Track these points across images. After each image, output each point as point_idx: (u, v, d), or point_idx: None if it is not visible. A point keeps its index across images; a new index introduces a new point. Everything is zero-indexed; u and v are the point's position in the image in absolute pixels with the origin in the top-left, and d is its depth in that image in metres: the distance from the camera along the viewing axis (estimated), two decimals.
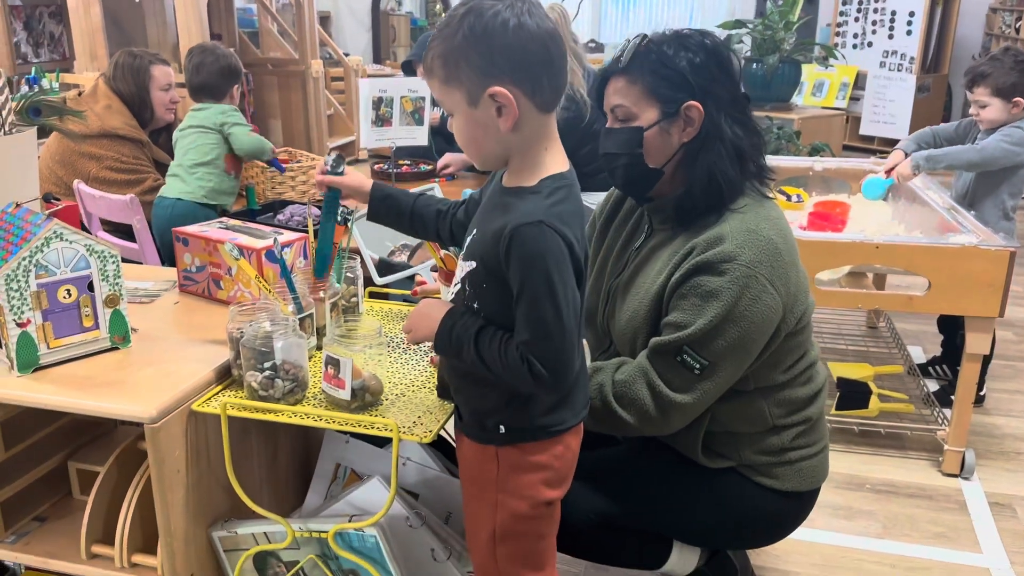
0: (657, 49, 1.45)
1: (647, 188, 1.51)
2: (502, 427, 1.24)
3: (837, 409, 2.61)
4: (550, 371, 1.14)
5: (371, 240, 2.14)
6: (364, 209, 1.52)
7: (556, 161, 1.21)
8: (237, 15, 6.09)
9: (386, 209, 1.49)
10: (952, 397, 2.47)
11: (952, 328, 2.87)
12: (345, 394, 1.27)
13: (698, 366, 1.40)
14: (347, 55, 7.11)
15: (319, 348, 1.46)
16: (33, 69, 4.42)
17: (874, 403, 2.62)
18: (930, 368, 3.04)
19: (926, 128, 2.97)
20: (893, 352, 3.17)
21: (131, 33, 5.31)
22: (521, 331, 1.15)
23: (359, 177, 1.50)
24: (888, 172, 2.86)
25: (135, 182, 2.83)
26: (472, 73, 1.14)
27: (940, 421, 2.56)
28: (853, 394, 2.64)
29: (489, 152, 1.21)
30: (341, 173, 1.46)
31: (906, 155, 2.81)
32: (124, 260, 2.61)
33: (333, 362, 1.27)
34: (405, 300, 1.75)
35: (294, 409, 1.27)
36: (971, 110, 2.73)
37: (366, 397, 1.29)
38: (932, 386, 2.89)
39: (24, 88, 4.06)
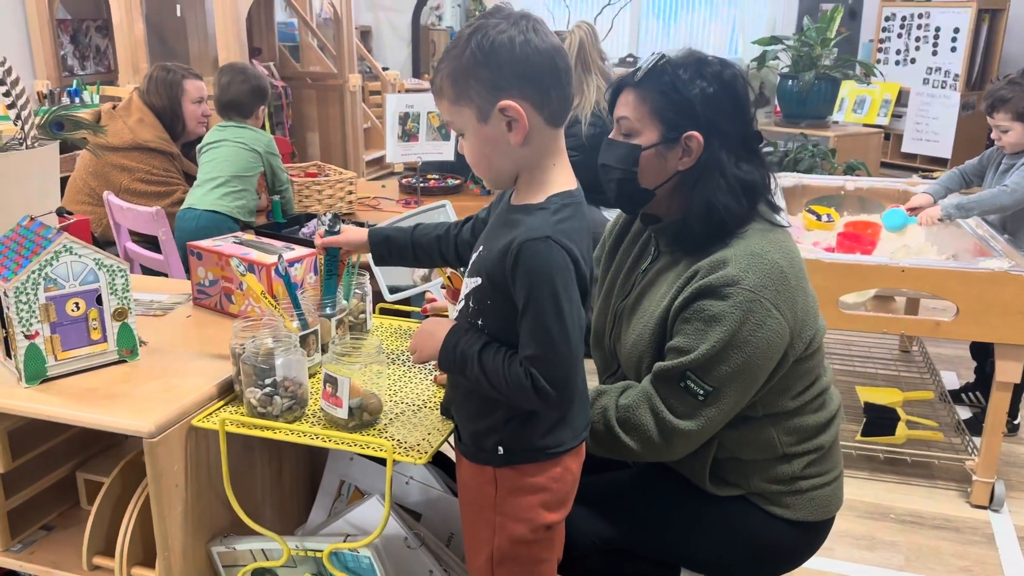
0: (672, 71, 1.43)
1: (637, 206, 1.51)
2: (500, 448, 1.23)
3: (863, 435, 2.55)
4: (554, 386, 1.14)
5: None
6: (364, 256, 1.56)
7: (564, 178, 1.21)
8: (278, 29, 6.21)
9: (388, 250, 1.51)
10: (984, 425, 2.40)
11: (984, 354, 2.79)
12: (342, 413, 1.27)
13: (702, 392, 1.38)
14: (387, 69, 7.20)
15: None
16: (74, 82, 4.54)
17: (901, 430, 2.55)
18: (963, 395, 2.96)
19: (952, 170, 2.92)
20: (925, 377, 3.09)
21: (173, 47, 5.44)
22: (526, 346, 1.15)
23: (355, 230, 1.52)
24: (912, 211, 2.81)
25: (165, 194, 2.88)
26: (482, 89, 1.15)
27: (970, 450, 2.49)
28: (880, 420, 2.58)
29: (500, 168, 1.21)
30: (338, 232, 1.48)
31: (934, 200, 2.77)
32: (150, 271, 2.69)
33: (331, 380, 1.27)
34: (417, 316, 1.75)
35: (290, 427, 1.28)
36: (992, 134, 2.66)
37: (364, 416, 1.29)
38: (964, 414, 2.81)
39: (65, 100, 4.17)
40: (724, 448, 1.49)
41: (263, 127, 2.95)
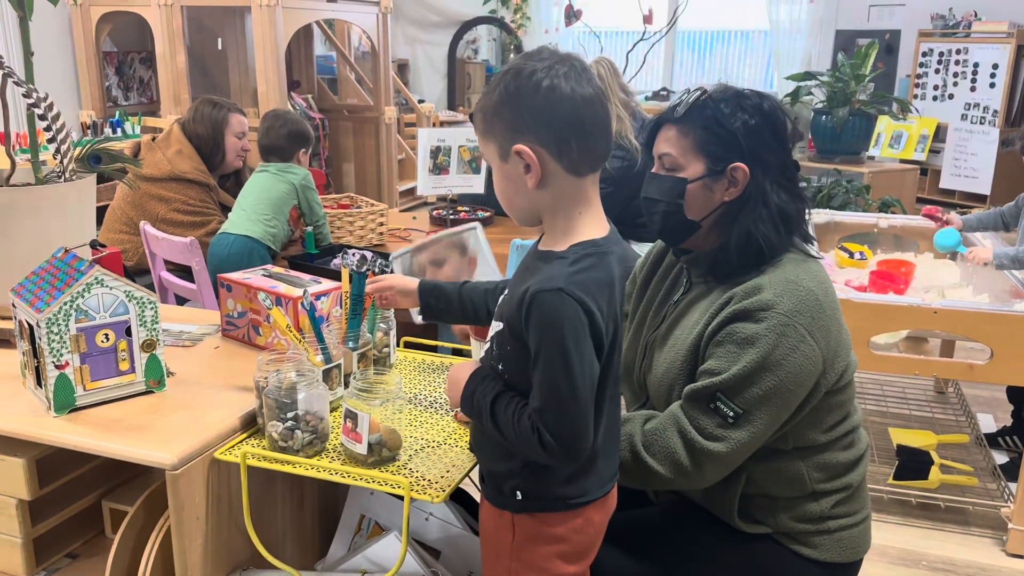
0: (714, 106, 1.44)
1: (682, 239, 1.51)
2: (519, 493, 1.22)
3: (895, 478, 2.50)
4: (559, 442, 1.12)
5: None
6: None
7: (591, 227, 1.20)
8: (317, 63, 6.33)
9: (435, 299, 1.52)
10: (1021, 471, 2.34)
11: (1021, 398, 2.73)
12: (362, 448, 1.28)
13: (732, 414, 1.36)
14: (422, 101, 7.30)
15: None
16: (117, 113, 4.65)
17: (935, 474, 2.49)
18: (999, 439, 2.89)
19: (993, 210, 2.88)
20: (960, 420, 3.02)
21: (214, 79, 5.57)
22: (534, 398, 1.14)
23: (403, 279, 1.55)
24: (944, 223, 2.79)
25: (200, 224, 2.94)
26: (503, 129, 1.16)
27: (1006, 497, 2.42)
28: (912, 463, 2.52)
29: (519, 207, 1.22)
30: (365, 273, 1.49)
31: (962, 224, 2.75)
32: (183, 300, 2.73)
33: (352, 416, 1.28)
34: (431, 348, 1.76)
35: (310, 462, 1.28)
36: None
37: (383, 452, 1.30)
38: (1000, 458, 2.74)
39: (107, 131, 4.28)
40: (753, 483, 1.47)
41: (315, 153, 3.04)
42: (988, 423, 3.08)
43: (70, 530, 1.53)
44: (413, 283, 1.53)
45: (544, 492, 1.22)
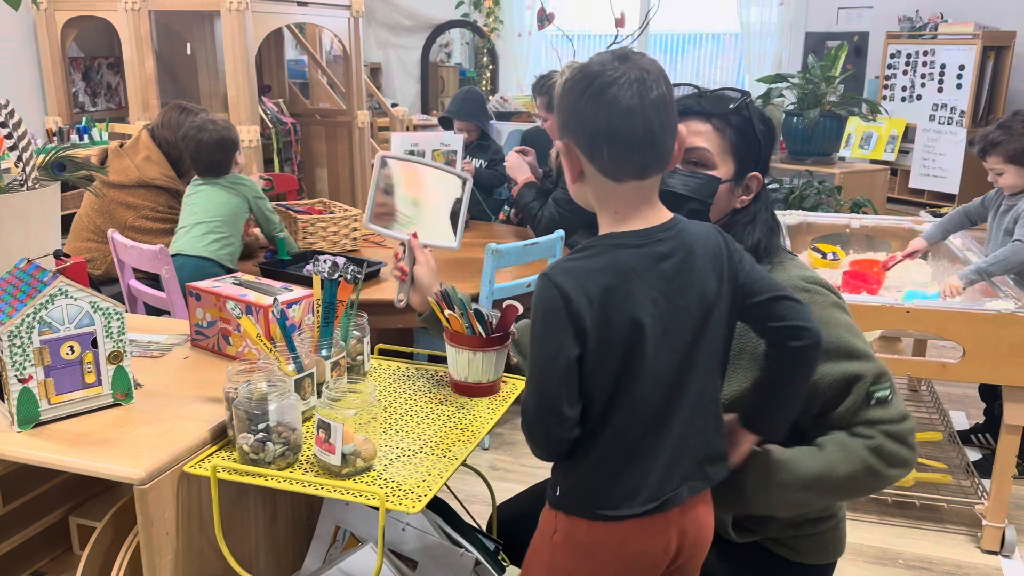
0: (751, 111, 1.46)
1: None
2: (558, 488, 1.23)
3: None
4: (525, 424, 1.15)
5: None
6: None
7: (628, 227, 1.19)
8: (288, 67, 6.27)
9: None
10: (993, 469, 2.36)
11: (993, 396, 2.76)
12: (335, 459, 1.25)
13: (883, 394, 1.36)
14: (396, 105, 7.26)
15: None
16: (84, 119, 4.58)
17: (910, 472, 2.51)
18: (972, 436, 2.92)
19: (956, 210, 2.90)
20: (934, 418, 3.05)
21: (184, 84, 5.50)
22: None
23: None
24: (910, 255, 2.80)
25: (170, 231, 2.89)
26: (558, 121, 1.22)
27: (979, 494, 2.45)
28: None
29: (571, 189, 1.25)
30: (337, 280, 1.47)
31: (928, 245, 2.77)
32: (154, 310, 2.68)
33: (324, 426, 1.26)
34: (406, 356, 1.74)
35: (282, 475, 1.26)
36: (989, 177, 2.66)
37: (357, 462, 1.27)
38: (973, 455, 2.77)
39: (74, 137, 4.21)
40: None
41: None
42: (960, 419, 3.12)
43: (37, 547, 1.50)
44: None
45: (576, 492, 1.21)
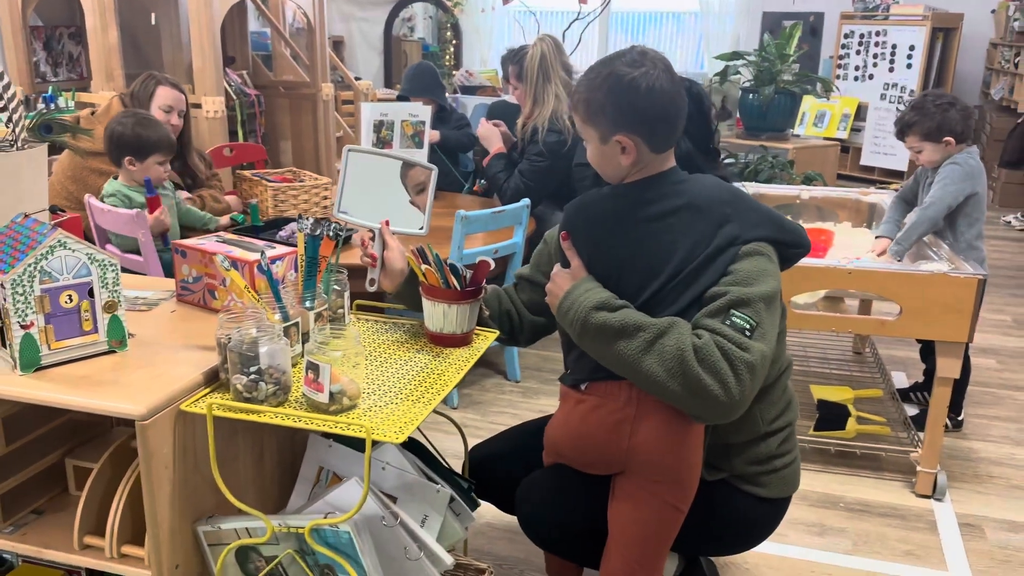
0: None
1: None
2: None
3: (815, 430, 2.68)
4: None
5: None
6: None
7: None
8: (251, 39, 6.26)
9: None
10: (927, 419, 2.54)
11: (932, 357, 2.93)
12: (323, 397, 1.36)
13: (747, 326, 1.42)
14: (359, 79, 7.27)
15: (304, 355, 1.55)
16: (50, 88, 4.57)
17: (852, 425, 2.68)
18: (911, 394, 3.11)
19: (893, 200, 3.02)
20: (876, 377, 3.23)
21: (147, 55, 5.47)
22: None
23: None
24: (880, 256, 2.93)
25: None
26: (607, 121, 1.49)
27: (915, 444, 2.63)
28: (831, 416, 2.71)
29: (609, 175, 1.58)
30: (320, 236, 1.57)
31: (890, 238, 2.89)
32: (130, 271, 2.74)
33: (313, 367, 1.36)
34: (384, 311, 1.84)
35: (276, 410, 1.36)
36: (910, 156, 2.83)
37: (344, 400, 1.38)
38: (911, 411, 2.96)
39: (40, 106, 4.20)
40: (715, 432, 1.62)
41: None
42: (901, 380, 3.31)
43: (34, 487, 1.58)
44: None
45: None
